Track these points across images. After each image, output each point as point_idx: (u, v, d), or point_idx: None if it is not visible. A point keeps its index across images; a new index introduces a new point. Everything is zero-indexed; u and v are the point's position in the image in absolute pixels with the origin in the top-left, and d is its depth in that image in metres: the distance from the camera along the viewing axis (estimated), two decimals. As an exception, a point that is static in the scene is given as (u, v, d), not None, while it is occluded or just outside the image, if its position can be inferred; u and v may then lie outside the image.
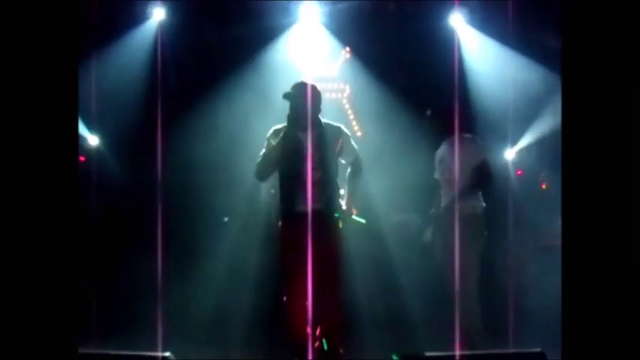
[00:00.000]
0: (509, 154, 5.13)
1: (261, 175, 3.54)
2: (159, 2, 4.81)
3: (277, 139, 3.43)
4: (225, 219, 5.06)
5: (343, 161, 3.61)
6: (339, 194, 3.58)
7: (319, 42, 5.06)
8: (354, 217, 3.64)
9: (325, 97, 5.32)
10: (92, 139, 5.02)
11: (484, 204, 4.13)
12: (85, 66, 4.69)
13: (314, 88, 3.54)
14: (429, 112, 4.33)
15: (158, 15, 4.84)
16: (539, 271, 4.60)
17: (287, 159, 3.44)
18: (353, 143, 3.64)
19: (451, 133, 4.22)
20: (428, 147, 4.91)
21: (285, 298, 3.42)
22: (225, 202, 4.92)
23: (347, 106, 5.34)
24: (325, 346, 3.31)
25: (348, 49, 5.25)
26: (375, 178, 4.87)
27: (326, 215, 3.43)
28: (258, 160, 3.50)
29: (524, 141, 5.04)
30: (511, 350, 3.51)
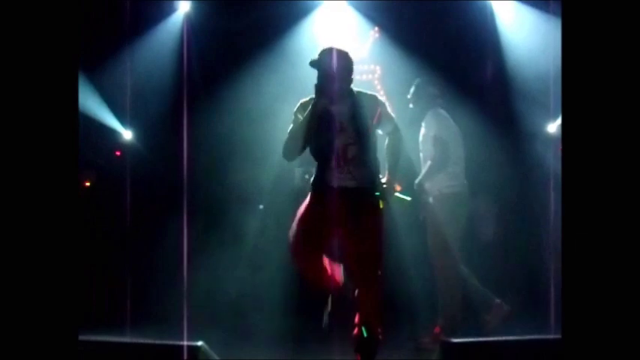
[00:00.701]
0: (552, 127, 4.90)
1: (290, 153, 3.16)
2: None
3: (305, 113, 3.10)
4: (261, 206, 5.03)
5: (380, 132, 3.25)
6: (380, 170, 3.19)
7: (347, 22, 4.93)
8: (397, 194, 3.26)
9: (356, 79, 5.28)
10: (126, 134, 5.07)
11: (453, 183, 3.91)
12: (115, 62, 4.75)
13: (345, 54, 3.16)
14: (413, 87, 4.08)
15: (184, 7, 4.85)
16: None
17: (319, 134, 3.09)
18: (390, 112, 3.28)
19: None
20: (465, 124, 4.76)
21: (293, 255, 3.09)
22: (256, 187, 4.89)
23: (379, 88, 5.21)
24: (365, 333, 3.08)
25: (376, 28, 5.11)
26: (411, 160, 4.74)
27: (366, 194, 3.09)
28: (286, 137, 3.16)
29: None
30: (554, 336, 3.34)
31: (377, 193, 3.12)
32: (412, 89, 4.19)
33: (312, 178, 3.20)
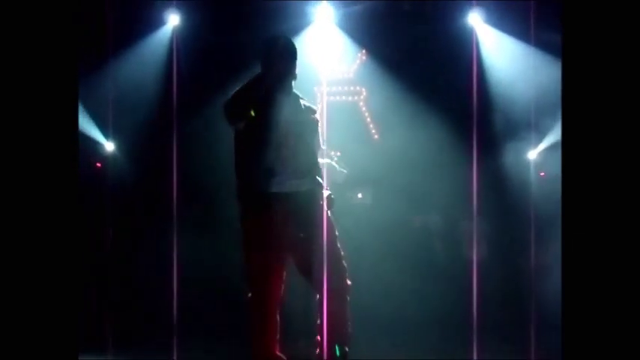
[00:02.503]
0: (532, 154, 5.00)
1: (238, 110, 2.71)
2: (174, 8, 4.83)
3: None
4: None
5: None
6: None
7: (334, 44, 4.99)
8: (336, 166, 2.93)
9: (342, 100, 5.36)
10: (108, 145, 5.02)
11: None
12: (102, 72, 4.73)
13: (293, 45, 2.85)
14: None
15: (173, 20, 4.86)
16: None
17: (262, 117, 2.70)
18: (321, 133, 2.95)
19: None
20: (448, 148, 4.85)
21: (250, 307, 2.78)
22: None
23: (364, 109, 5.27)
24: (338, 352, 2.74)
25: (364, 51, 5.18)
26: (395, 181, 4.80)
27: (312, 198, 2.74)
28: (233, 93, 2.75)
29: (548, 141, 4.91)
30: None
31: (323, 195, 2.79)
32: None
33: (239, 177, 2.79)
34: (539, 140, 4.92)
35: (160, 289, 4.19)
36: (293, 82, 2.86)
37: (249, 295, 2.80)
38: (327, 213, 2.81)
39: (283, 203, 2.71)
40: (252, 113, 2.74)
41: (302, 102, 2.90)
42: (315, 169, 2.84)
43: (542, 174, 5.00)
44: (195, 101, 4.83)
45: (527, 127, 4.83)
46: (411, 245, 4.78)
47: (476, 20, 4.85)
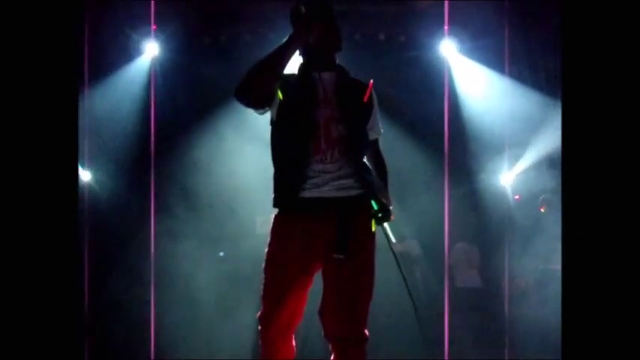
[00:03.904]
0: (507, 178, 5.12)
1: (255, 84, 2.05)
2: (152, 38, 4.85)
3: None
4: (221, 254, 5.00)
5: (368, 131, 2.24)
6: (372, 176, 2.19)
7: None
8: (387, 227, 2.22)
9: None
10: (84, 175, 4.97)
11: None
12: (79, 102, 4.70)
13: (329, 7, 2.24)
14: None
15: (151, 50, 4.87)
16: (540, 297, 4.55)
17: (294, 98, 2.10)
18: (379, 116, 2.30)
19: None
20: (425, 175, 4.93)
21: (259, 327, 2.18)
22: (219, 235, 4.87)
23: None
24: None
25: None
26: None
27: (359, 208, 2.11)
28: (254, 64, 2.10)
29: (522, 165, 5.04)
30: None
31: (374, 206, 2.12)
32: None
33: (275, 188, 2.19)
34: (514, 163, 5.05)
35: (139, 314, 4.14)
36: (337, 55, 2.24)
37: (259, 312, 2.20)
38: (373, 235, 2.16)
39: (323, 211, 2.08)
40: (281, 95, 2.11)
41: (350, 78, 2.25)
42: (366, 166, 2.19)
43: (517, 197, 5.11)
44: (173, 132, 4.84)
45: (502, 150, 4.95)
46: (388, 270, 4.81)
47: (449, 49, 5.00)
